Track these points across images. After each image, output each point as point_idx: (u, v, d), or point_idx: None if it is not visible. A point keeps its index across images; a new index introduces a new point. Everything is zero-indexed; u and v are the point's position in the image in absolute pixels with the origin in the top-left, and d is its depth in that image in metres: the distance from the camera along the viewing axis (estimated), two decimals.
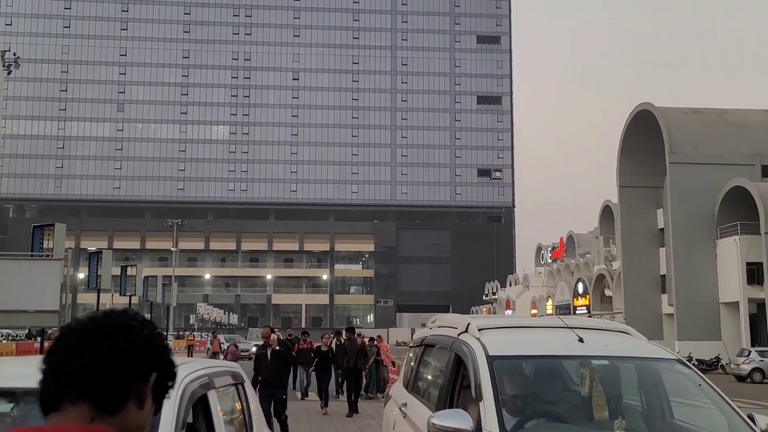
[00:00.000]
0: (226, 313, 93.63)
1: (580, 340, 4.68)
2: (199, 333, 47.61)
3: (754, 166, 47.07)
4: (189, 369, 3.47)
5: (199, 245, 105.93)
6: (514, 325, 5.47)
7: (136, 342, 1.41)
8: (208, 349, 37.71)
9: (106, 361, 1.36)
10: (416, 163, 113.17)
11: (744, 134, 47.73)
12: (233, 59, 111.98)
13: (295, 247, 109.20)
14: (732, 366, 35.47)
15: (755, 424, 4.27)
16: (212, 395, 3.55)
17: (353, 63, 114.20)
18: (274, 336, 12.24)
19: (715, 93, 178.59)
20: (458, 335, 5.08)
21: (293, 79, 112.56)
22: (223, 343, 38.39)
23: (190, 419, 3.22)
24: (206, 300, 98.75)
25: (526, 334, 5.19)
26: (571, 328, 4.88)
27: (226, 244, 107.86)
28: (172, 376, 1.49)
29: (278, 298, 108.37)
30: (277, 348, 11.86)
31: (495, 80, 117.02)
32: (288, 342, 18.64)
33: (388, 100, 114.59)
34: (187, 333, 50.12)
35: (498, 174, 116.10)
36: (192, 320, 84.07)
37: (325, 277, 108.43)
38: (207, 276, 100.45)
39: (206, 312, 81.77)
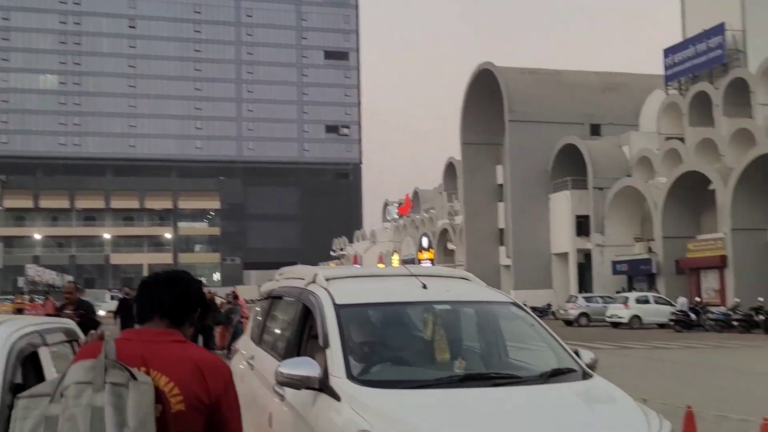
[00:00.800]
0: (60, 274, 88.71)
1: (424, 286, 4.80)
2: (41, 296, 44.76)
3: (584, 125, 50.03)
4: (16, 325, 3.22)
5: (28, 203, 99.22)
6: (361, 275, 5.53)
7: (192, 288, 2.67)
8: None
9: (180, 297, 2.61)
10: (263, 119, 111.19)
11: (576, 95, 50.53)
12: (60, 2, 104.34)
13: (135, 204, 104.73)
14: (561, 312, 37.99)
15: (580, 359, 4.59)
16: (44, 352, 3.32)
17: (194, 12, 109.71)
18: (77, 297, 9.47)
19: (551, 54, 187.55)
20: (306, 286, 5.06)
21: (129, 26, 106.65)
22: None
23: (19, 379, 2.99)
24: (37, 261, 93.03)
25: (372, 283, 5.26)
26: (416, 275, 5.01)
27: (58, 202, 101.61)
28: (207, 313, 2.90)
29: (117, 258, 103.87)
30: (77, 312, 8.74)
31: (342, 35, 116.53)
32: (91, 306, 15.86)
33: (233, 52, 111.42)
34: (16, 296, 47.11)
35: (345, 130, 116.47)
36: (21, 283, 78.98)
37: (168, 235, 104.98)
38: (37, 236, 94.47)
39: (37, 274, 77.05)
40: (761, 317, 27.31)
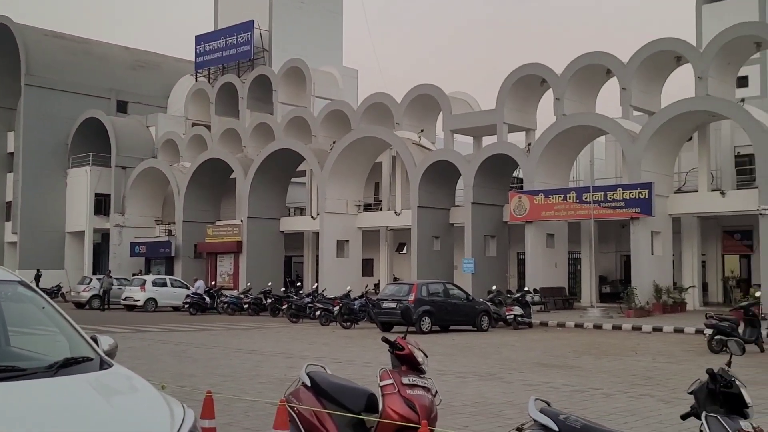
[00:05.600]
0: None
1: None
2: None
3: (110, 100, 48.35)
4: None
5: None
6: None
7: None
8: None
9: None
10: None
11: (104, 67, 48.51)
12: None
13: None
14: (73, 294, 35.95)
15: (98, 345, 4.18)
16: None
17: None
18: None
19: (79, 19, 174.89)
20: None
21: None
22: None
23: None
24: None
25: None
26: None
27: None
28: None
29: None
30: None
31: None
32: None
33: None
34: None
35: None
36: None
37: None
38: None
39: None
40: (269, 300, 29.36)
